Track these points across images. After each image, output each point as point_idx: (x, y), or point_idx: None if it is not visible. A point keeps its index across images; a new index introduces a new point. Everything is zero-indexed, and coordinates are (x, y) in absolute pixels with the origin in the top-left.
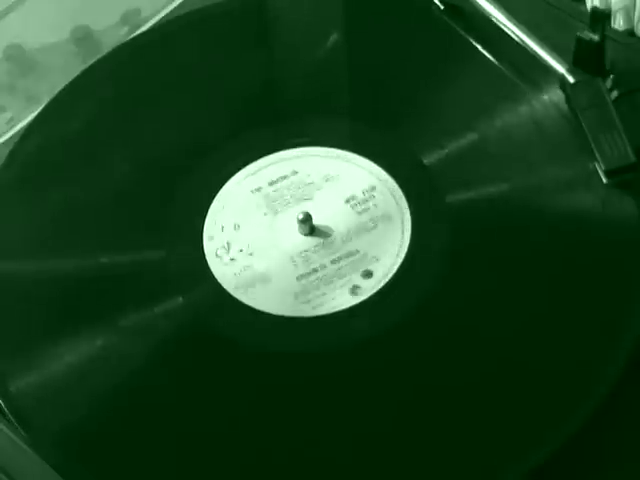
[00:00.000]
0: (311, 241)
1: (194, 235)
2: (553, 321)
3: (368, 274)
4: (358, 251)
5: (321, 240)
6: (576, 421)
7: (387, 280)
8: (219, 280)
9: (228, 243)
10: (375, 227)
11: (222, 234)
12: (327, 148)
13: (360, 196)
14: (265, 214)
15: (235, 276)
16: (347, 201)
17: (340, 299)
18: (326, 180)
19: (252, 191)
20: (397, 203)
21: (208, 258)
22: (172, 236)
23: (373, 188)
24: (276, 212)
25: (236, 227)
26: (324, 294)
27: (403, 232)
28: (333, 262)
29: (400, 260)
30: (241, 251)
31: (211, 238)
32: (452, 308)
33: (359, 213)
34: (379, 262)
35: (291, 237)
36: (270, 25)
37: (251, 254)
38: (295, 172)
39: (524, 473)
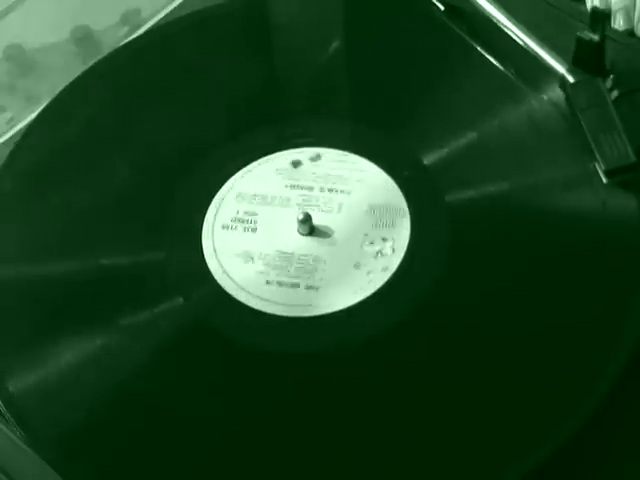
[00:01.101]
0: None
1: (193, 235)
2: (554, 320)
3: None
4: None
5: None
6: (576, 421)
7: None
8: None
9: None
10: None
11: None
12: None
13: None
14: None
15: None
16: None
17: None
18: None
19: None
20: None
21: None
22: (172, 237)
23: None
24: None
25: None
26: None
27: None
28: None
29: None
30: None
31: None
32: (452, 307)
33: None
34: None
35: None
36: (270, 26)
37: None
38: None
39: (524, 473)
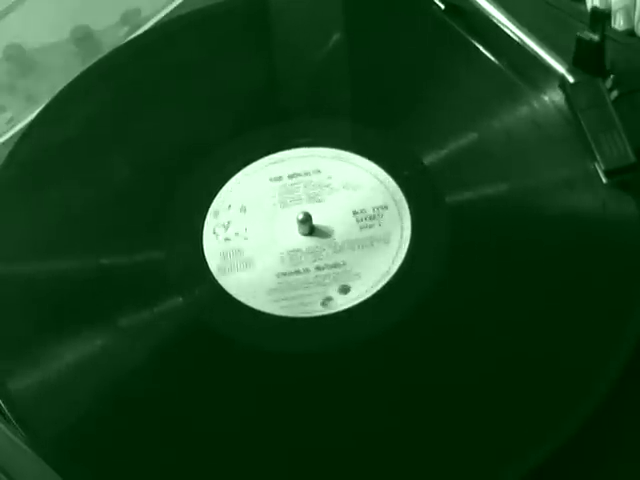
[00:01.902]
0: (308, 241)
1: (194, 235)
2: (553, 321)
3: (345, 290)
4: (345, 264)
5: (317, 242)
6: (576, 421)
7: (361, 300)
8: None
9: (229, 222)
10: (371, 245)
11: (227, 212)
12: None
13: (369, 212)
14: (274, 205)
15: (222, 255)
16: (351, 209)
17: (311, 307)
18: (344, 187)
19: (271, 179)
20: (401, 221)
21: (205, 234)
22: (172, 236)
23: (385, 207)
24: (284, 206)
25: (242, 209)
26: (298, 296)
27: (403, 238)
28: (317, 269)
29: (399, 262)
30: (237, 234)
31: (216, 213)
32: (452, 308)
33: (362, 229)
34: (360, 280)
35: (288, 233)
36: (271, 25)
37: (245, 239)
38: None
39: (524, 473)
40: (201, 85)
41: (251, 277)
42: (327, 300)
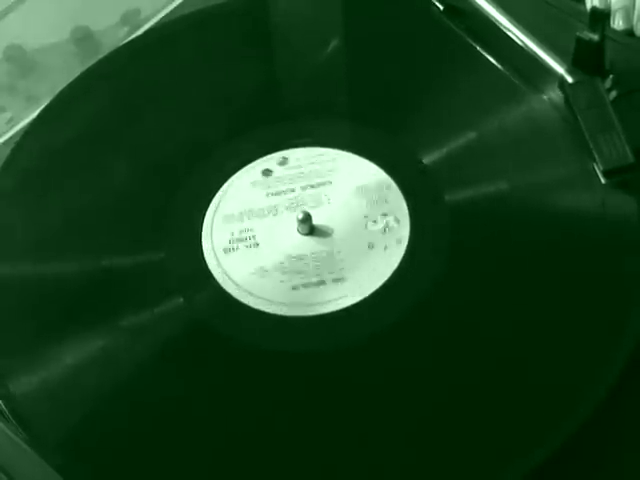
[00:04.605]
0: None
1: (194, 236)
2: (553, 320)
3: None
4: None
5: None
6: (576, 421)
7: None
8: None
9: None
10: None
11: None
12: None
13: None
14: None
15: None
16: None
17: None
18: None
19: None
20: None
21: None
22: (172, 237)
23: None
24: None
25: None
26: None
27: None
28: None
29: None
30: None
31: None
32: (452, 307)
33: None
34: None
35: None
36: (270, 26)
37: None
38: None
39: (524, 473)
40: (201, 85)
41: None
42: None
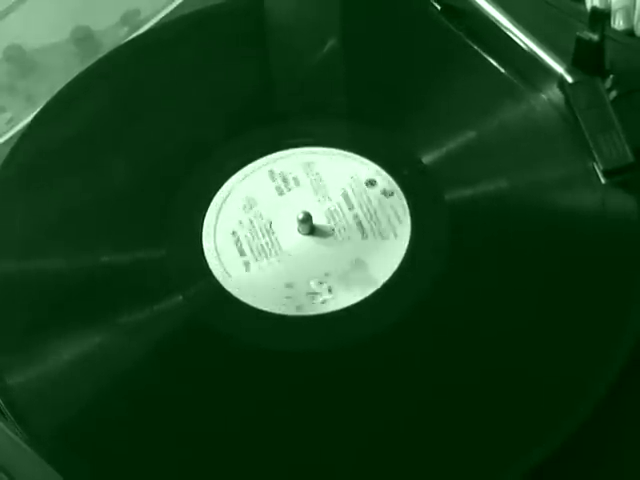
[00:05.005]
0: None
1: (193, 234)
2: (553, 320)
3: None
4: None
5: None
6: (576, 420)
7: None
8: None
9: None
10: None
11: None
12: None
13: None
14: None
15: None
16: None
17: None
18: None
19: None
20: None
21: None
22: (172, 235)
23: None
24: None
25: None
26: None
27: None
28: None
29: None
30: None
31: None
32: (452, 307)
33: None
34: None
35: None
36: (269, 26)
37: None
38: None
39: (524, 473)
40: (200, 85)
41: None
42: (327, 301)
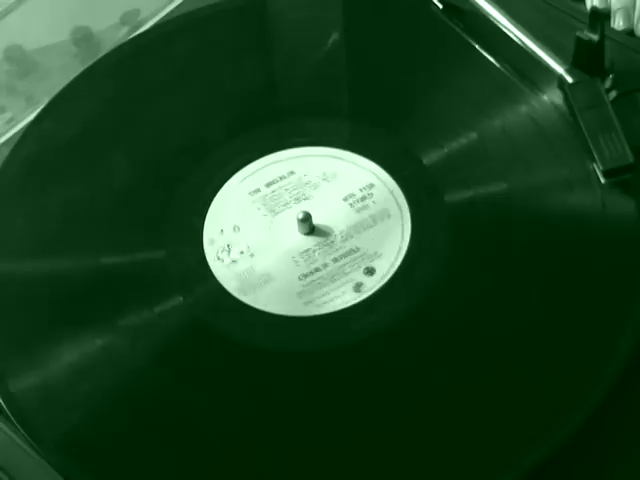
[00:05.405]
0: (311, 240)
1: (194, 235)
2: (553, 320)
3: (370, 271)
4: (359, 248)
5: (321, 239)
6: (576, 421)
7: (390, 276)
8: (220, 280)
9: (228, 245)
10: (374, 224)
11: (222, 236)
12: (326, 148)
13: (358, 194)
14: (264, 215)
15: (237, 277)
16: (345, 199)
17: (344, 297)
18: (324, 179)
19: (250, 193)
20: (396, 200)
21: (209, 260)
22: (172, 236)
23: (371, 186)
24: (275, 213)
25: (236, 229)
26: (327, 293)
27: (403, 229)
28: (335, 260)
29: (401, 257)
30: (242, 253)
31: (211, 241)
32: (451, 308)
33: (358, 211)
34: (381, 259)
35: (291, 237)
36: (269, 25)
37: (252, 255)
38: (292, 172)
39: (524, 473)
40: (200, 85)
41: (275, 289)
42: (358, 286)
